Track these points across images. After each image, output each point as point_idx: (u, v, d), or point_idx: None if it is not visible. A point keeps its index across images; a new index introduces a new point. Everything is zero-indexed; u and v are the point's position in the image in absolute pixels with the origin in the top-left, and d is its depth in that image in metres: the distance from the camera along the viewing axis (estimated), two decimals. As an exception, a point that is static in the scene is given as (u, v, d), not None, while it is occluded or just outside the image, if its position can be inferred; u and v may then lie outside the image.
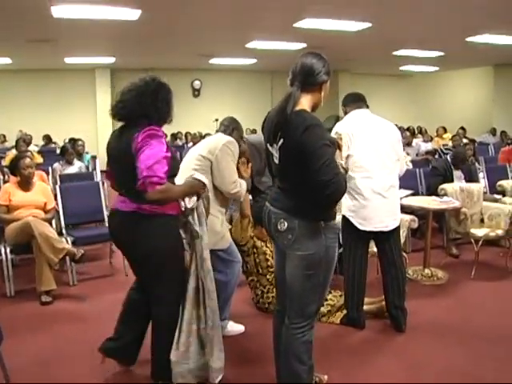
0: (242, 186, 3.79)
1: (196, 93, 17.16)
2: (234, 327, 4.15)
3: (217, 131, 4.14)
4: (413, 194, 6.30)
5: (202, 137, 12.13)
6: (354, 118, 4.08)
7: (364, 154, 3.90)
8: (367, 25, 8.98)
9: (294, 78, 2.70)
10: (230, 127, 4.03)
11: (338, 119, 7.63)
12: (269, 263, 4.49)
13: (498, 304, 4.75)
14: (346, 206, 4.04)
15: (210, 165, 3.71)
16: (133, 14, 7.74)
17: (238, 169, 3.82)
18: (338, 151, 2.76)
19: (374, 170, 3.89)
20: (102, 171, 7.86)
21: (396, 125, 4.49)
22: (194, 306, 3.14)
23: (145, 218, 2.93)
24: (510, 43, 10.93)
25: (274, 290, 4.35)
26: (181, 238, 3.13)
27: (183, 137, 14.48)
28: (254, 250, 4.54)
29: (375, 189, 3.89)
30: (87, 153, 9.92)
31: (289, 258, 2.76)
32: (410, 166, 7.63)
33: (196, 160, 3.74)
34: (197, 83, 17.00)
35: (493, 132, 15.40)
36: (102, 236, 5.47)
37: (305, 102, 2.68)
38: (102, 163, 7.85)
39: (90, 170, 8.56)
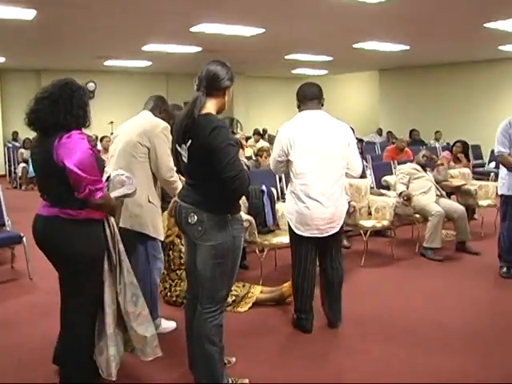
0: (178, 181, 3.80)
1: (91, 95, 16.84)
2: (168, 324, 4.20)
3: (143, 108, 4.05)
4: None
5: (100, 139, 12.01)
6: (299, 120, 4.01)
7: (304, 161, 3.86)
8: (261, 30, 9.29)
9: (200, 83, 2.93)
10: (160, 107, 4.02)
11: (232, 121, 7.88)
12: (182, 261, 4.60)
13: (385, 287, 5.26)
14: (287, 209, 4.12)
15: (148, 151, 3.75)
16: (27, 14, 7.59)
17: None
18: (241, 150, 3.01)
19: (314, 178, 3.84)
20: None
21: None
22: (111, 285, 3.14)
23: (67, 222, 2.93)
24: (393, 50, 11.70)
25: (182, 284, 4.59)
26: (103, 245, 3.08)
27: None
28: (171, 247, 4.70)
29: (313, 196, 3.85)
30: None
31: (199, 248, 2.97)
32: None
33: (133, 146, 3.75)
34: (91, 85, 16.66)
35: (379, 132, 16.33)
36: (3, 240, 5.45)
37: (210, 106, 2.91)
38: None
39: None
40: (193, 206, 2.94)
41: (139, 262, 3.89)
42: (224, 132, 2.80)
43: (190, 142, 2.87)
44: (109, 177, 3.20)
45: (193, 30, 9.09)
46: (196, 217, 2.91)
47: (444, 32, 9.80)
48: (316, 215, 3.87)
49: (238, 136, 3.52)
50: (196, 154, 2.88)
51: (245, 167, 2.92)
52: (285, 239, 5.32)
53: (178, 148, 3.01)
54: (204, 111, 2.87)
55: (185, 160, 2.96)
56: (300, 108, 4.08)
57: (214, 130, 2.76)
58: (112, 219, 3.18)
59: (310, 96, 4.03)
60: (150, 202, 3.81)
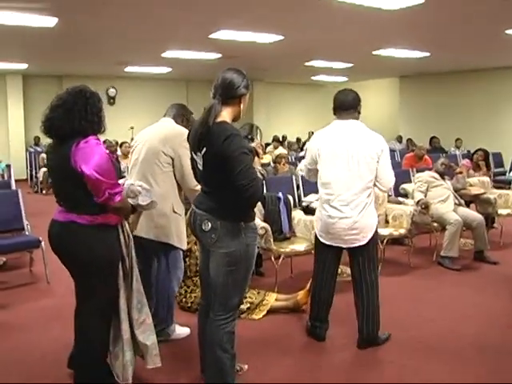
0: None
1: (111, 101, 17.01)
2: (182, 330, 4.19)
3: (165, 115, 4.02)
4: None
5: (119, 145, 12.11)
6: (330, 129, 3.95)
7: (329, 171, 3.84)
8: (280, 37, 9.31)
9: (216, 91, 2.93)
10: (181, 116, 3.98)
11: (252, 127, 7.88)
12: (198, 268, 4.62)
13: (401, 296, 5.21)
14: (316, 216, 4.11)
15: (172, 161, 3.74)
16: (49, 22, 7.72)
17: None
18: (256, 158, 3.03)
19: (339, 188, 3.79)
20: (16, 180, 7.77)
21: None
22: (124, 291, 3.18)
23: (83, 228, 2.96)
24: (412, 56, 11.65)
25: (197, 290, 4.59)
26: (118, 250, 3.12)
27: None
28: (188, 253, 4.70)
29: (335, 205, 3.80)
30: (0, 161, 9.74)
31: (212, 255, 2.99)
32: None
33: (157, 155, 3.73)
34: (112, 91, 16.87)
35: (399, 139, 16.24)
36: (22, 244, 5.50)
37: (225, 114, 2.92)
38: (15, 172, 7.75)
39: (6, 178, 8.40)
40: (207, 212, 2.95)
41: (160, 271, 3.92)
42: (238, 140, 2.81)
43: (204, 149, 2.89)
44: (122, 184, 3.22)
45: (212, 36, 9.14)
46: (210, 224, 2.92)
47: (464, 39, 9.74)
48: (338, 224, 3.81)
49: (253, 144, 3.51)
50: (210, 161, 2.90)
51: (259, 175, 2.94)
52: (301, 247, 5.34)
53: (194, 156, 3.04)
54: (219, 119, 2.88)
55: (200, 167, 3.00)
56: (335, 115, 4.00)
57: (228, 138, 2.77)
58: (127, 225, 3.21)
59: (344, 106, 3.92)
60: (174, 211, 3.80)
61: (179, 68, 14.10)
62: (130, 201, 3.15)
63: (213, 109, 2.87)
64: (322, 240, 3.97)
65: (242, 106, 3.01)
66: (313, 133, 16.38)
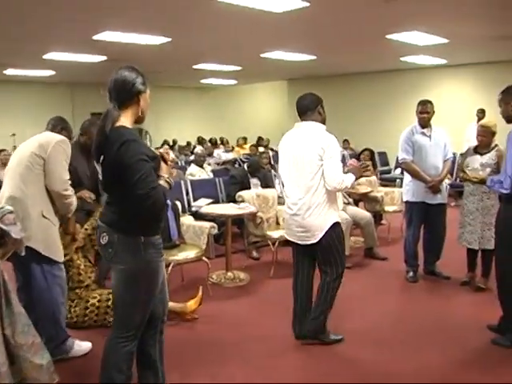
0: (73, 197, 3.71)
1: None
2: (82, 346, 3.95)
3: (46, 130, 4.00)
4: (213, 202, 6.57)
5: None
6: (289, 132, 4.18)
7: (283, 170, 4.11)
8: (167, 39, 9.10)
9: (110, 95, 2.72)
10: (59, 126, 3.99)
11: (141, 132, 7.65)
12: (81, 277, 4.43)
13: (291, 298, 5.10)
14: None
15: (43, 163, 3.57)
16: None
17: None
18: (164, 165, 2.83)
19: (289, 187, 4.05)
20: None
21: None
22: None
23: None
24: (299, 59, 11.82)
25: (81, 303, 4.37)
26: None
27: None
28: (70, 263, 4.40)
29: (288, 202, 4.06)
30: None
31: (113, 270, 2.81)
32: (211, 176, 7.93)
33: (29, 157, 3.58)
34: (-11, 96, 15.94)
35: (289, 141, 16.44)
36: None
37: (124, 119, 2.70)
38: None
39: None
40: (106, 225, 2.76)
41: (36, 282, 3.65)
42: (134, 146, 2.59)
43: (102, 157, 2.69)
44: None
45: (96, 38, 8.76)
46: (107, 237, 2.73)
47: (349, 43, 9.95)
48: (291, 221, 4.04)
49: (162, 150, 3.34)
50: (108, 170, 2.71)
51: (164, 183, 2.74)
52: (191, 253, 5.19)
53: (96, 165, 2.81)
54: (118, 124, 2.66)
55: (100, 177, 2.80)
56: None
57: (123, 145, 2.57)
58: None
59: (301, 109, 4.07)
60: (44, 216, 3.58)
61: (63, 71, 13.44)
62: (2, 226, 2.90)
63: (108, 115, 2.66)
64: (286, 236, 4.22)
65: (141, 105, 2.77)
66: (202, 138, 16.24)
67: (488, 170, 4.92)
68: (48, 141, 3.65)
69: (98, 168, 2.78)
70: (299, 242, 4.04)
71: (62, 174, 3.60)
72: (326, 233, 3.91)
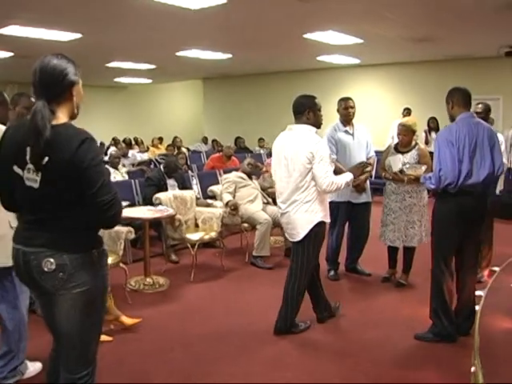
0: None
1: None
2: (36, 366, 3.57)
3: None
4: (130, 205, 6.34)
5: None
6: (281, 134, 4.33)
7: (276, 171, 4.27)
8: (77, 35, 8.73)
9: (36, 90, 2.28)
10: None
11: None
12: None
13: (216, 303, 5.05)
14: None
15: None
16: None
17: None
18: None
19: (280, 187, 4.20)
20: None
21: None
22: None
23: None
24: (215, 58, 11.72)
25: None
26: None
27: None
28: None
29: (278, 201, 4.26)
30: None
31: (60, 300, 2.33)
32: (126, 177, 7.69)
33: None
34: None
35: (205, 141, 16.32)
36: None
37: (61, 115, 2.28)
38: None
39: None
40: (45, 248, 2.27)
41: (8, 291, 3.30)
42: (95, 146, 2.25)
43: (47, 159, 2.19)
44: None
45: (1, 32, 8.29)
46: (53, 261, 2.25)
47: (266, 42, 9.92)
48: (281, 219, 4.31)
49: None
50: (57, 174, 2.21)
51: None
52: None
53: (17, 170, 2.29)
54: (58, 122, 2.24)
55: (33, 185, 2.24)
56: None
57: (84, 144, 2.18)
58: None
59: (293, 111, 4.29)
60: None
61: (-36, 68, 12.75)
62: None
63: (39, 113, 2.18)
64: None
65: (75, 99, 2.34)
66: (117, 138, 15.80)
67: (424, 167, 4.90)
68: None
69: (28, 174, 2.25)
70: (290, 239, 4.26)
71: None
72: (311, 233, 4.08)
